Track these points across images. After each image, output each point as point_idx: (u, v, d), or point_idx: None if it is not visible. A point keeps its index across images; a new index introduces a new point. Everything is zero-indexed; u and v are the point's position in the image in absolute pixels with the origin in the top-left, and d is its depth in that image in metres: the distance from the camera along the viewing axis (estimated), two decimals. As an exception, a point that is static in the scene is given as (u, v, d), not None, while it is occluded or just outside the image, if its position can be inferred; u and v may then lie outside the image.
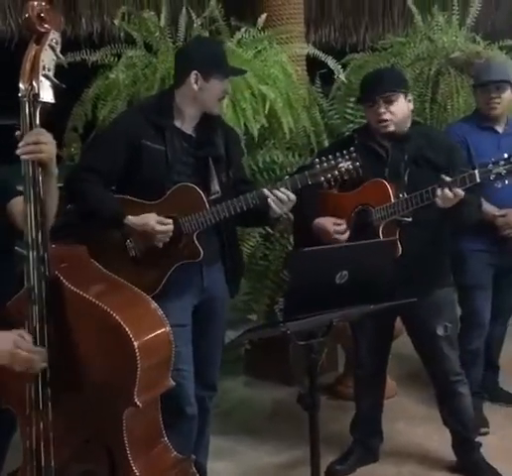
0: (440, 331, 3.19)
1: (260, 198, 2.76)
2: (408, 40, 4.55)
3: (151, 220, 2.75)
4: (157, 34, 3.90)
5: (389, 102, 3.07)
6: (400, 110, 3.09)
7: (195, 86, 2.82)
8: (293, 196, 2.76)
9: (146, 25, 3.93)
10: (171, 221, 2.76)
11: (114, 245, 2.83)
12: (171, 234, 2.77)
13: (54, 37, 2.12)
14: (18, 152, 2.06)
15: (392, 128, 3.09)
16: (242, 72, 3.25)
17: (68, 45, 4.17)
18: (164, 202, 2.79)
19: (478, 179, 2.85)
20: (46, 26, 2.10)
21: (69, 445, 2.19)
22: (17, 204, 2.34)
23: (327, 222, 3.11)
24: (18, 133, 2.08)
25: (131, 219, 2.76)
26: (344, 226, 3.10)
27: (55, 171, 2.14)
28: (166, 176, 2.81)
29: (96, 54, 3.87)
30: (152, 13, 4.00)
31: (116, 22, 4.09)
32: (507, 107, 3.67)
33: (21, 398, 2.17)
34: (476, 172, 2.84)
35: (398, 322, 3.44)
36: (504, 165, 2.84)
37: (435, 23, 4.54)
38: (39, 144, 2.04)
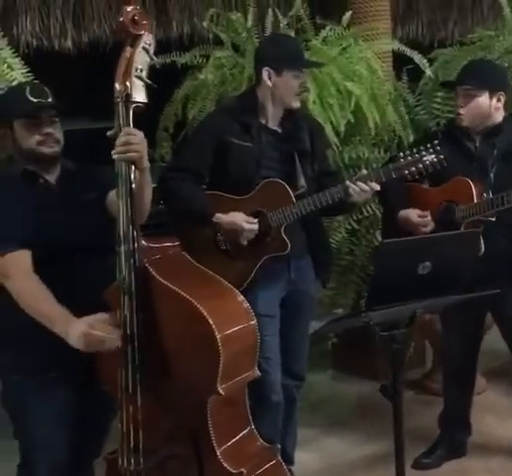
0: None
1: (344, 191, 2.81)
2: (497, 33, 4.47)
3: (238, 219, 2.84)
4: (244, 34, 3.97)
5: (467, 97, 3.07)
6: (475, 108, 3.07)
7: (269, 82, 2.88)
8: (376, 185, 2.80)
9: (233, 26, 4.01)
10: (257, 221, 2.84)
11: (205, 239, 2.93)
12: (256, 232, 2.85)
13: (147, 39, 2.21)
14: (112, 152, 2.17)
15: (464, 123, 3.10)
16: (316, 65, 3.26)
17: (160, 47, 4.32)
18: (252, 197, 2.88)
19: None
20: (139, 29, 2.19)
21: (158, 429, 2.29)
22: (113, 203, 2.45)
23: (412, 214, 3.13)
24: (110, 133, 2.18)
25: (220, 217, 2.85)
26: (429, 218, 3.11)
27: (146, 165, 2.24)
28: (254, 171, 2.89)
29: (186, 55, 3.98)
30: (239, 14, 4.08)
31: (205, 24, 4.18)
32: None
33: (116, 382, 2.27)
34: None
35: (487, 318, 3.42)
36: None
37: (524, 15, 4.45)
38: (129, 144, 2.14)
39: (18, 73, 3.12)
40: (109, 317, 2.21)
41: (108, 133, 2.19)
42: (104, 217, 2.43)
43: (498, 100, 3.11)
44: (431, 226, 3.11)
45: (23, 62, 3.21)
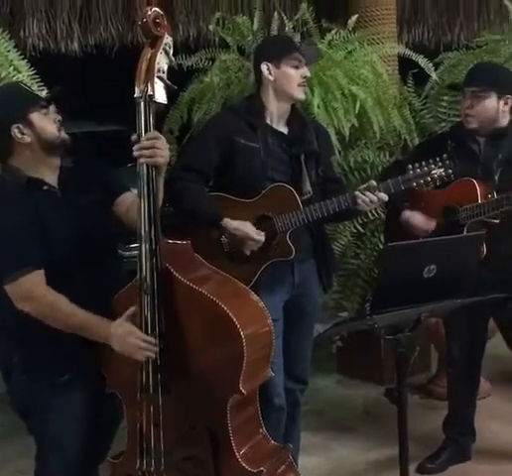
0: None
1: (352, 200, 2.81)
2: (503, 37, 4.47)
3: (247, 229, 2.83)
4: (250, 37, 3.97)
5: (476, 98, 3.07)
6: (485, 109, 3.07)
7: (271, 77, 2.90)
8: (384, 196, 2.80)
9: (239, 29, 4.01)
10: (264, 234, 2.84)
11: (210, 240, 2.92)
12: (261, 245, 2.84)
13: (167, 41, 2.23)
14: (135, 154, 2.16)
15: (474, 125, 3.10)
16: (312, 52, 3.16)
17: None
18: (259, 201, 2.87)
19: None
20: (160, 30, 2.21)
21: (176, 430, 2.29)
22: (122, 205, 2.47)
23: (416, 217, 3.16)
24: (134, 137, 2.17)
25: (229, 222, 2.84)
26: (433, 224, 3.12)
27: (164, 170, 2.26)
28: (260, 172, 2.88)
29: (192, 58, 3.98)
30: (245, 17, 4.08)
31: (211, 27, 4.20)
32: None
33: (129, 382, 2.27)
34: None
35: (492, 323, 3.41)
36: None
37: (531, 19, 4.45)
38: (156, 148, 2.15)
39: (25, 76, 3.12)
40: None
41: (133, 137, 2.18)
42: (108, 219, 2.45)
43: (505, 103, 3.11)
44: (432, 226, 3.13)
45: (29, 65, 3.22)
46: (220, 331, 2.21)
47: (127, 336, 2.20)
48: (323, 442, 3.74)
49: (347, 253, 4.03)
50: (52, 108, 2.37)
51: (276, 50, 2.95)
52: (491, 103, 3.07)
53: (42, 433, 2.44)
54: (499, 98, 3.08)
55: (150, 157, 2.15)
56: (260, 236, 2.84)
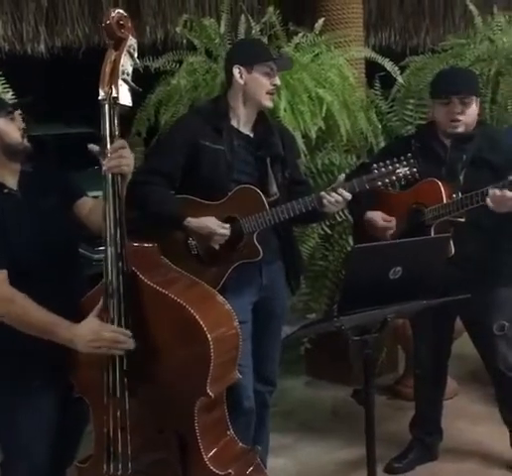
0: (496, 330, 3.18)
1: (318, 201, 2.82)
2: (468, 41, 4.53)
3: (210, 223, 2.83)
4: (217, 40, 3.99)
5: (465, 104, 3.09)
6: (472, 113, 3.11)
7: (241, 81, 2.90)
8: (348, 195, 2.82)
9: (207, 32, 4.02)
10: (229, 226, 2.84)
11: (177, 243, 2.92)
12: (227, 237, 2.85)
13: (131, 43, 2.22)
14: (103, 169, 2.17)
15: (461, 129, 3.12)
16: (285, 61, 3.15)
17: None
18: (225, 203, 2.88)
19: None
20: (124, 32, 2.20)
21: (143, 434, 2.28)
22: (82, 208, 2.47)
23: (377, 216, 3.17)
24: (93, 147, 2.18)
25: (191, 221, 2.85)
26: (393, 223, 3.15)
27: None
28: (226, 174, 2.89)
29: (159, 60, 3.97)
30: (212, 20, 4.09)
31: (178, 29, 4.20)
32: None
33: (96, 386, 2.26)
34: None
35: (458, 323, 3.44)
36: None
37: (495, 23, 4.51)
38: (122, 158, 2.15)
39: (-10, 77, 3.10)
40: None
41: (90, 147, 2.19)
42: (69, 223, 2.45)
43: (477, 106, 3.16)
44: (392, 230, 3.15)
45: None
46: (187, 334, 2.21)
47: (101, 331, 2.18)
48: (292, 443, 3.76)
49: (315, 255, 4.05)
50: (17, 114, 2.37)
51: (250, 55, 2.95)
52: (475, 107, 3.13)
53: (8, 440, 2.41)
54: (477, 102, 3.15)
55: (116, 166, 2.16)
56: (224, 229, 2.83)
